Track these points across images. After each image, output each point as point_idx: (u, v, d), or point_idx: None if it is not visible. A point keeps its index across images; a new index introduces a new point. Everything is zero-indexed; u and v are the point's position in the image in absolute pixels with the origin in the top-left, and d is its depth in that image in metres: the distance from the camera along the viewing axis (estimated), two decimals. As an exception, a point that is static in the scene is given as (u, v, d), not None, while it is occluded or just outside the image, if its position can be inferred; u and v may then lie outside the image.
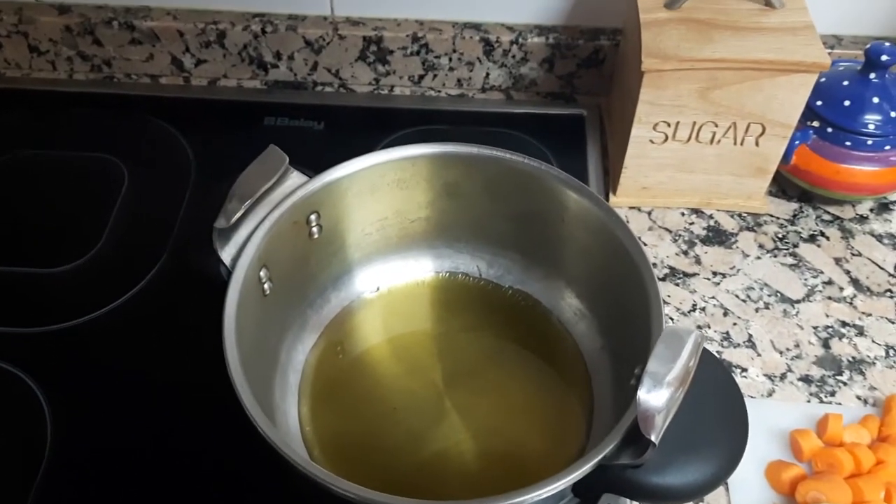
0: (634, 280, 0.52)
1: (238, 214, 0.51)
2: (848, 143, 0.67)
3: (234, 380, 0.46)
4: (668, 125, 0.65)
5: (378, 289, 0.65)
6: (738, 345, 0.63)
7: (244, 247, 0.52)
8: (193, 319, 0.58)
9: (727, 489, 0.55)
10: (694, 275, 0.67)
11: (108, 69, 0.84)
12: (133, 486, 0.55)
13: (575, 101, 0.83)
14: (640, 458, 0.42)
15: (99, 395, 0.59)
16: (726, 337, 0.63)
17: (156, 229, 0.70)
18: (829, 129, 0.67)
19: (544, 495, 0.42)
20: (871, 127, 0.66)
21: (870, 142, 0.66)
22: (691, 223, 0.71)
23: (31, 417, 0.58)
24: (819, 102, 0.67)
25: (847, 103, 0.66)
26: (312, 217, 0.57)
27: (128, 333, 0.63)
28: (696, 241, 0.70)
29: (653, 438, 0.41)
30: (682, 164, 0.69)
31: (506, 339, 0.62)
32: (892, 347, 0.62)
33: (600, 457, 0.43)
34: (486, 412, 0.58)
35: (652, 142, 0.67)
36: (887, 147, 0.66)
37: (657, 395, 0.40)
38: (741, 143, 0.67)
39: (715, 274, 0.67)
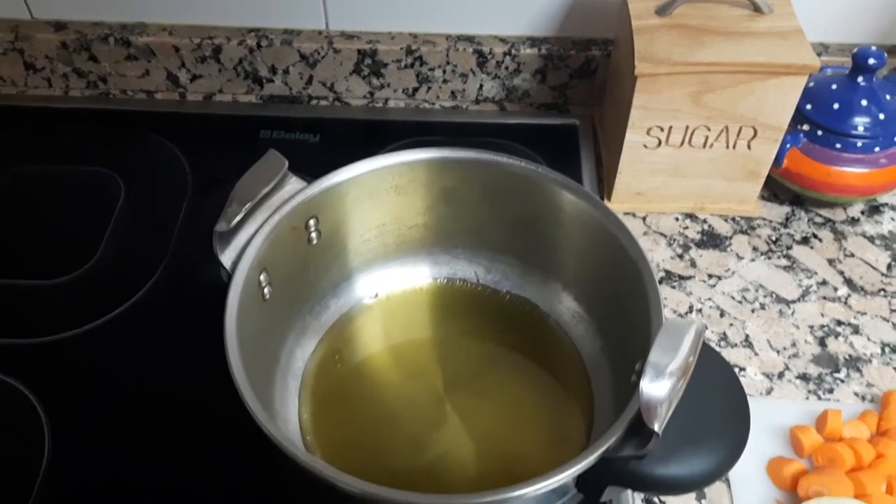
0: (632, 278, 0.52)
1: (238, 217, 0.52)
2: (838, 146, 0.68)
3: (237, 381, 0.46)
4: (662, 130, 0.66)
5: (377, 295, 0.65)
6: (736, 345, 0.63)
7: (244, 250, 0.53)
8: (192, 327, 0.58)
9: (729, 486, 0.55)
10: (690, 277, 0.68)
11: (103, 85, 0.85)
12: (133, 496, 0.55)
13: (568, 112, 0.84)
14: (643, 449, 0.43)
15: (98, 404, 0.59)
16: (723, 337, 0.63)
17: (153, 240, 0.70)
18: (820, 133, 0.68)
19: (549, 488, 0.42)
20: (861, 129, 0.67)
21: (859, 144, 0.67)
22: (685, 227, 0.72)
23: (28, 429, 0.58)
24: (809, 106, 0.68)
25: (836, 106, 0.67)
26: (311, 222, 0.58)
27: (126, 343, 0.63)
28: (691, 244, 0.70)
29: (656, 428, 0.41)
30: (676, 169, 0.69)
31: (504, 343, 0.62)
32: (887, 345, 0.63)
33: (603, 449, 0.43)
34: (487, 416, 0.58)
35: (645, 147, 0.68)
36: (877, 149, 0.67)
37: (660, 386, 0.41)
38: (733, 147, 0.67)
39: (710, 276, 0.68)
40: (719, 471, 0.44)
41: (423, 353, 0.62)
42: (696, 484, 0.44)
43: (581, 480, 0.45)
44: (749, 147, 0.67)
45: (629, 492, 0.54)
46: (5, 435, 0.58)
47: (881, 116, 0.67)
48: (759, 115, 0.65)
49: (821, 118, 0.68)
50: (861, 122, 0.67)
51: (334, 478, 0.42)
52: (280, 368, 0.58)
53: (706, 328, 0.60)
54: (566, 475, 0.42)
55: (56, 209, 0.74)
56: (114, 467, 0.56)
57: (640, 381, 0.41)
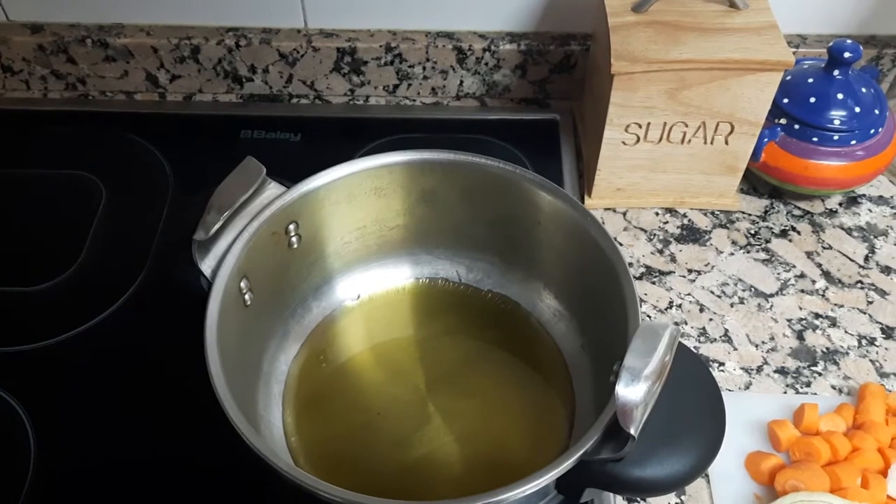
0: (610, 277, 0.53)
1: (217, 226, 0.52)
2: (815, 139, 0.68)
3: (217, 391, 0.47)
4: (640, 126, 0.67)
5: (359, 297, 0.65)
6: (715, 340, 0.64)
7: (224, 258, 0.53)
8: (176, 333, 0.58)
9: (708, 481, 0.55)
10: (670, 273, 0.68)
11: (82, 87, 0.84)
12: (119, 501, 0.55)
13: (548, 106, 0.84)
14: (620, 452, 0.43)
15: (83, 411, 0.59)
16: (703, 332, 0.64)
17: (135, 244, 0.70)
18: (797, 126, 0.68)
19: (528, 492, 0.43)
20: (837, 122, 0.67)
21: (836, 137, 0.68)
22: (665, 222, 0.72)
23: (13, 436, 0.58)
24: (786, 100, 0.69)
25: (813, 100, 0.68)
26: (291, 227, 0.58)
27: (110, 349, 0.63)
28: (671, 239, 0.71)
29: (632, 432, 0.42)
30: (655, 165, 0.70)
31: (487, 342, 0.63)
32: (864, 337, 0.64)
33: (581, 452, 0.44)
34: (470, 415, 0.59)
35: (624, 143, 0.68)
36: (853, 142, 0.68)
37: (635, 389, 0.41)
38: (711, 143, 0.68)
39: (690, 271, 0.68)
40: (695, 472, 0.45)
41: (406, 353, 0.62)
42: (672, 485, 0.45)
43: (560, 483, 0.45)
44: (727, 142, 0.68)
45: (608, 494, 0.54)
46: (-10, 444, 0.58)
47: (857, 109, 0.67)
48: (736, 110, 0.65)
49: (798, 112, 0.68)
50: (837, 116, 0.67)
51: (316, 487, 0.43)
52: (263, 373, 0.59)
53: (680, 331, 0.61)
54: (544, 479, 0.43)
55: (37, 214, 0.74)
56: (99, 473, 0.56)
57: (616, 386, 0.41)
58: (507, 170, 0.58)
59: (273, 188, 0.57)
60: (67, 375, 0.61)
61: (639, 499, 0.55)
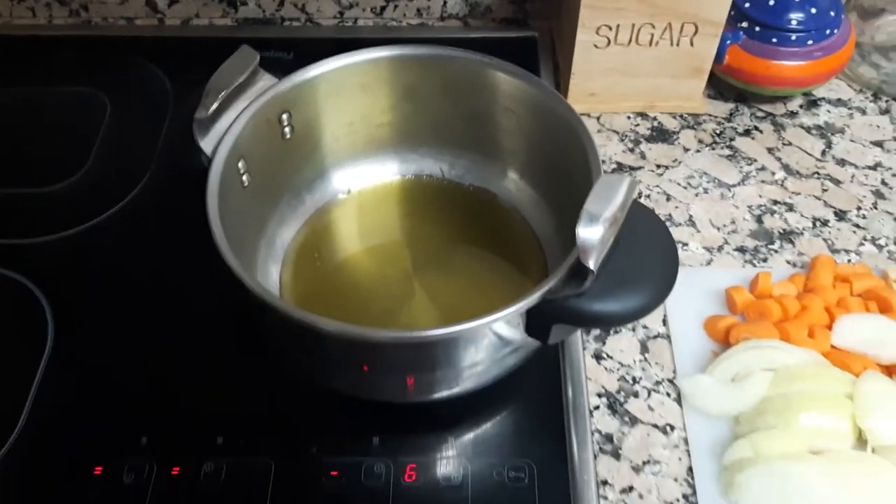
0: (576, 152, 0.57)
1: (215, 105, 0.56)
2: (774, 41, 0.73)
3: (218, 243, 0.51)
4: (610, 29, 0.71)
5: (349, 191, 0.70)
6: (680, 224, 0.69)
7: (223, 138, 0.57)
8: (183, 219, 0.62)
9: (670, 342, 0.61)
10: (639, 168, 0.73)
11: (85, 13, 0.88)
12: (132, 380, 0.60)
13: (528, 25, 0.88)
14: (581, 288, 0.48)
15: (98, 295, 0.64)
16: (668, 218, 0.69)
17: (141, 145, 0.75)
18: (757, 28, 0.73)
19: (498, 320, 0.48)
20: (795, 24, 0.72)
21: (794, 38, 0.72)
22: (637, 125, 0.77)
23: (33, 318, 0.63)
24: (747, 4, 0.73)
25: (772, 3, 0.72)
26: (284, 117, 0.62)
27: (123, 238, 0.68)
28: (642, 139, 0.75)
29: (591, 266, 0.46)
30: (626, 69, 0.74)
31: (468, 228, 0.68)
32: (818, 220, 0.69)
33: (546, 288, 0.48)
34: (452, 291, 0.64)
35: (596, 46, 0.73)
36: (810, 42, 0.72)
37: (594, 230, 0.46)
38: (677, 44, 0.72)
39: (658, 166, 0.73)
40: (649, 306, 0.49)
41: (394, 240, 0.67)
42: (630, 317, 0.49)
43: (530, 323, 0.50)
44: (692, 43, 0.72)
45: (580, 345, 0.60)
46: (10, 325, 0.63)
47: (813, 11, 0.72)
48: (700, 10, 0.70)
49: (758, 14, 0.73)
50: (795, 17, 0.72)
51: (310, 320, 0.48)
52: (261, 254, 0.63)
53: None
54: (514, 309, 0.48)
55: (46, 125, 0.78)
56: (114, 351, 0.61)
57: (577, 227, 0.46)
58: (482, 61, 0.63)
59: (267, 79, 0.61)
60: (85, 262, 0.66)
61: (606, 355, 0.60)
